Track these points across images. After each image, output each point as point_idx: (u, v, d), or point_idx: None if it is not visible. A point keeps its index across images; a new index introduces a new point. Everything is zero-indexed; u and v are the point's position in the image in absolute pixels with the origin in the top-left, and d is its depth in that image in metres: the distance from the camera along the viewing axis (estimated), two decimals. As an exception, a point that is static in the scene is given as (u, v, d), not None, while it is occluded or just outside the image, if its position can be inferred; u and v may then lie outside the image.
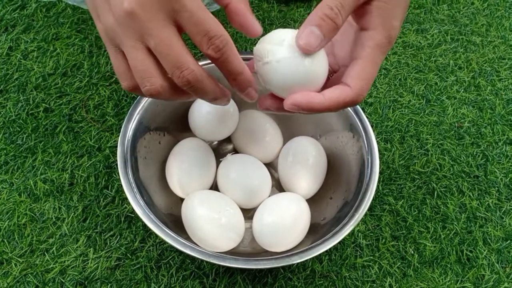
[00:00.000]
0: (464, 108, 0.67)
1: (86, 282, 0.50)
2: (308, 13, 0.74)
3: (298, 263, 0.52)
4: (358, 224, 0.56)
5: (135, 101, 0.51)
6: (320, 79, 0.38)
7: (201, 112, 0.53)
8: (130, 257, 0.52)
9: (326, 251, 0.48)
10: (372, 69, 0.36)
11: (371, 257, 0.54)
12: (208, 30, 0.33)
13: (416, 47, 0.73)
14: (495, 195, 0.60)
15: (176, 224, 0.49)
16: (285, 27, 0.72)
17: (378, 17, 0.36)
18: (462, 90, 0.69)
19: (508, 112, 0.68)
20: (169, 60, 0.34)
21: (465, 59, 0.73)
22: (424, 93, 0.68)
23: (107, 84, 0.64)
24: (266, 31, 0.71)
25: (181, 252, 0.48)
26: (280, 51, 0.36)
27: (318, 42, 0.35)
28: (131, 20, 0.33)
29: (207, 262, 0.43)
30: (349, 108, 0.53)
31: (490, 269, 0.55)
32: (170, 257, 0.52)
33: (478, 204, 0.59)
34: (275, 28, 0.71)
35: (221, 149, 0.59)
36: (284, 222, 0.48)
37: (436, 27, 0.76)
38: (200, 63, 0.37)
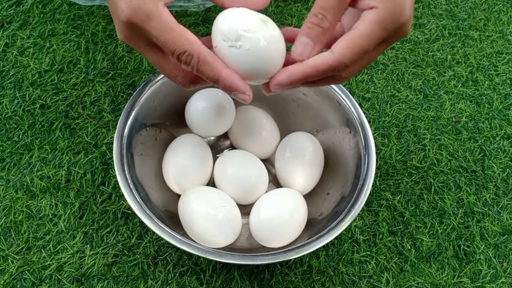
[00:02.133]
0: (462, 103, 0.67)
1: (83, 279, 0.50)
2: (305, 8, 0.74)
3: (295, 259, 0.53)
4: (355, 220, 0.56)
5: (131, 97, 0.51)
6: (279, 62, 0.39)
7: (198, 108, 0.53)
8: (127, 253, 0.52)
9: (323, 246, 0.48)
10: (363, 41, 0.35)
11: (368, 253, 0.54)
12: (173, 49, 0.36)
13: (413, 42, 0.73)
14: (493, 190, 0.60)
15: (173, 220, 0.49)
16: (282, 22, 0.72)
17: None
18: (460, 85, 0.69)
19: (506, 106, 0.67)
20: (164, 72, 0.40)
21: (462, 53, 0.72)
22: (421, 88, 0.68)
23: (104, 80, 0.63)
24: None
25: (178, 249, 0.48)
26: (250, 38, 0.37)
27: (309, 49, 0.37)
28: (130, 45, 0.39)
29: (204, 258, 0.44)
30: (346, 104, 0.53)
31: (487, 264, 0.55)
32: (167, 254, 0.52)
33: (475, 199, 0.59)
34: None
35: (218, 145, 0.59)
36: (281, 218, 0.48)
37: (434, 21, 0.76)
38: None
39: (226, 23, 0.38)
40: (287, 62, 0.39)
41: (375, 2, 0.35)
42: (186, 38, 0.36)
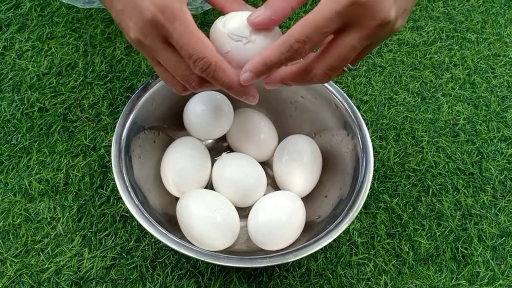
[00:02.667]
0: (459, 105, 0.67)
1: (81, 282, 0.50)
2: (303, 11, 0.74)
3: (293, 262, 0.53)
4: (353, 222, 0.56)
5: (130, 100, 0.51)
6: None
7: (196, 111, 0.53)
8: (125, 256, 0.52)
9: (321, 249, 0.48)
10: (314, 15, 0.34)
11: (366, 255, 0.54)
12: (191, 54, 0.36)
13: (411, 44, 0.73)
14: (490, 192, 0.60)
15: (171, 223, 0.49)
16: (280, 25, 0.72)
17: None
18: (457, 87, 0.69)
19: (503, 109, 0.68)
20: (177, 74, 0.39)
21: (460, 56, 0.73)
22: (419, 91, 0.68)
23: (102, 83, 0.64)
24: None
25: (176, 251, 0.48)
26: (253, 33, 0.39)
27: (259, 13, 0.38)
28: (139, 45, 0.38)
29: (202, 261, 0.44)
30: (344, 106, 0.53)
31: (485, 266, 0.55)
32: (166, 256, 0.52)
33: (473, 201, 0.59)
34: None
35: (216, 147, 0.59)
36: (279, 221, 0.49)
37: (431, 24, 0.76)
38: None
39: (235, 24, 0.39)
40: None
41: None
42: (205, 44, 0.36)
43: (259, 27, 0.39)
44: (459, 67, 0.71)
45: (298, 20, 0.35)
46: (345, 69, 0.38)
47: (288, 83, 0.40)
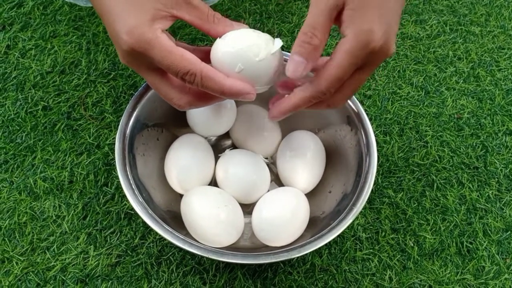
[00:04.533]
0: (464, 99, 0.67)
1: (87, 279, 0.51)
2: (306, 6, 0.74)
3: (297, 257, 0.53)
4: (357, 217, 0.56)
5: (133, 98, 0.51)
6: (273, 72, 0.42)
7: (199, 108, 0.53)
8: (131, 253, 0.52)
9: (326, 244, 0.48)
10: (336, 71, 0.38)
11: (371, 250, 0.54)
12: (177, 71, 0.38)
13: (414, 38, 0.73)
14: (495, 186, 0.60)
15: (176, 220, 0.49)
16: (282, 20, 0.72)
17: (348, 25, 0.38)
18: (462, 81, 0.69)
19: (508, 102, 0.67)
20: (161, 95, 0.42)
21: (464, 49, 0.72)
22: (423, 85, 0.68)
23: (105, 81, 0.64)
24: (264, 25, 0.70)
25: (181, 248, 0.48)
26: (263, 51, 0.41)
27: (302, 67, 0.39)
28: (129, 67, 0.41)
29: (207, 258, 0.44)
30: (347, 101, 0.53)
31: (490, 260, 0.55)
32: (170, 253, 0.53)
33: (478, 196, 0.59)
34: (272, 22, 0.71)
35: (220, 144, 0.59)
36: (283, 217, 0.49)
37: (435, 17, 0.75)
38: None
39: (239, 44, 0.41)
40: (285, 83, 0.44)
41: (346, 30, 0.38)
42: (186, 58, 0.38)
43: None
44: (463, 61, 0.71)
45: (321, 71, 0.39)
46: None
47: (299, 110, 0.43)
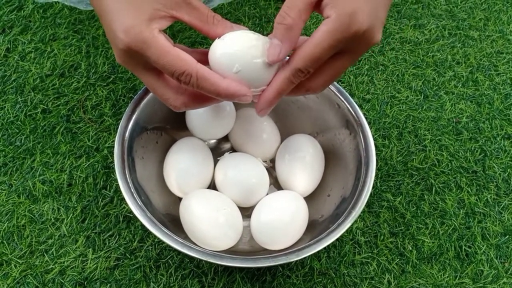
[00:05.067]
0: (462, 103, 0.67)
1: (85, 283, 0.51)
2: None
3: (296, 261, 0.53)
4: (356, 221, 0.56)
5: (132, 101, 0.51)
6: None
7: (198, 111, 0.53)
8: (129, 257, 0.52)
9: (324, 248, 0.48)
10: (313, 49, 0.37)
11: (370, 254, 0.54)
12: (172, 71, 0.38)
13: (413, 42, 0.73)
14: (494, 190, 0.60)
15: (175, 223, 0.49)
16: (282, 24, 0.72)
17: (332, 7, 0.37)
18: (460, 85, 0.69)
19: (506, 106, 0.67)
20: (157, 96, 0.42)
21: (463, 54, 0.72)
22: (422, 89, 0.68)
23: (105, 84, 0.64)
24: (263, 28, 0.71)
25: (179, 252, 0.48)
26: (261, 53, 0.40)
27: (278, 49, 0.39)
28: (125, 67, 0.41)
29: (205, 261, 0.44)
30: (346, 105, 0.53)
31: (488, 264, 0.55)
32: (169, 257, 0.53)
33: (476, 200, 0.59)
34: (272, 26, 0.71)
35: (219, 148, 0.59)
36: (282, 220, 0.49)
37: (433, 22, 0.76)
38: None
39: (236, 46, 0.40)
40: None
41: (329, 11, 0.37)
42: (182, 59, 0.38)
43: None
44: (461, 65, 0.71)
45: (298, 49, 0.38)
46: None
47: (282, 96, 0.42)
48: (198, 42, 0.69)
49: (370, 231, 0.56)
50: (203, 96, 0.41)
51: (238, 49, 0.40)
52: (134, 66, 0.40)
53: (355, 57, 0.39)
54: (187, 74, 0.38)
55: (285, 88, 0.40)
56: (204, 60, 0.41)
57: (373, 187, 0.48)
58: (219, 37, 0.41)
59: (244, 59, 0.40)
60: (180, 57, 0.38)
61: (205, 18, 0.41)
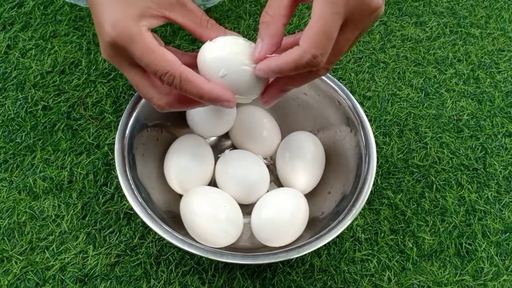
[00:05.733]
0: (463, 101, 0.67)
1: (86, 279, 0.51)
2: (306, 7, 0.74)
3: (296, 258, 0.53)
4: (356, 218, 0.56)
5: (133, 98, 0.51)
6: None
7: (199, 108, 0.53)
8: (130, 253, 0.52)
9: (325, 245, 0.48)
10: (318, 25, 0.35)
11: (370, 251, 0.54)
12: (155, 70, 0.38)
13: (414, 40, 0.73)
14: (494, 188, 0.60)
15: (175, 220, 0.49)
16: (283, 21, 0.72)
17: None
18: (461, 83, 0.69)
19: (508, 104, 0.67)
20: (141, 94, 0.41)
21: (464, 51, 0.72)
22: (423, 86, 0.68)
23: (105, 81, 0.64)
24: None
25: (180, 249, 0.48)
26: (248, 58, 0.40)
27: (259, 47, 0.38)
28: (110, 62, 0.40)
29: (206, 258, 0.44)
30: (346, 103, 0.53)
31: (489, 261, 0.55)
32: (170, 253, 0.53)
33: (477, 197, 0.59)
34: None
35: (219, 145, 0.59)
36: (283, 217, 0.49)
37: (435, 19, 0.75)
38: None
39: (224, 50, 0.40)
40: None
41: None
42: (167, 59, 0.38)
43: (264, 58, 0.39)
44: (463, 63, 0.71)
45: (304, 32, 0.35)
46: None
47: (288, 88, 0.41)
48: (199, 40, 0.69)
49: (370, 228, 0.56)
50: (187, 97, 0.40)
51: (227, 54, 0.40)
52: (119, 61, 0.39)
53: (359, 27, 0.37)
54: (170, 75, 0.38)
55: (288, 71, 0.37)
56: (194, 63, 0.41)
57: (373, 185, 0.48)
58: (210, 40, 0.41)
59: (231, 64, 0.39)
60: (165, 57, 0.38)
61: (199, 21, 0.41)
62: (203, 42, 0.42)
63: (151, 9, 0.38)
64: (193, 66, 0.40)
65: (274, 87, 0.41)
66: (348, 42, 0.37)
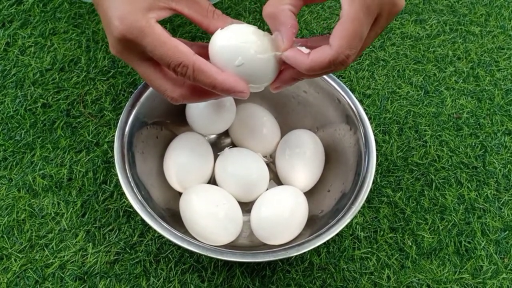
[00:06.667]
0: (463, 99, 0.67)
1: (85, 277, 0.51)
2: (306, 5, 0.74)
3: (296, 256, 0.53)
4: (356, 216, 0.56)
5: (132, 96, 0.51)
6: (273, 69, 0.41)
7: (199, 106, 0.53)
8: (129, 251, 0.52)
9: (324, 243, 0.48)
10: (353, 26, 0.35)
11: (369, 249, 0.54)
12: (169, 62, 0.37)
13: (414, 37, 0.73)
14: (494, 186, 0.60)
15: (175, 218, 0.49)
16: (282, 19, 0.72)
17: None
18: (461, 81, 0.69)
19: (507, 102, 0.67)
20: (154, 87, 0.41)
21: (464, 49, 0.72)
22: (422, 84, 0.68)
23: (105, 78, 0.64)
24: (264, 23, 0.70)
25: (179, 246, 0.48)
26: (261, 46, 0.39)
27: (279, 38, 0.39)
28: (120, 57, 0.40)
29: (205, 255, 0.44)
30: (346, 101, 0.53)
31: (488, 260, 0.55)
32: (169, 251, 0.53)
33: (476, 195, 0.59)
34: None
35: (219, 143, 0.59)
36: (282, 215, 0.49)
37: (434, 17, 0.75)
38: None
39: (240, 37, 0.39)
40: None
41: None
42: (180, 50, 0.37)
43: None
44: (462, 61, 0.71)
45: (337, 31, 0.36)
46: None
47: (301, 78, 0.41)
48: (198, 36, 0.69)
49: (370, 226, 0.56)
50: (202, 89, 0.40)
51: (242, 42, 0.38)
52: (129, 56, 0.39)
53: (384, 25, 0.38)
54: (183, 66, 0.37)
55: (321, 70, 0.37)
56: (204, 53, 0.40)
57: (373, 183, 0.48)
58: (221, 29, 0.40)
59: (246, 52, 0.38)
60: (178, 48, 0.37)
61: (205, 13, 0.40)
62: (211, 34, 0.41)
63: (158, 1, 0.38)
64: (204, 56, 0.39)
65: (288, 75, 0.41)
66: (371, 38, 0.38)
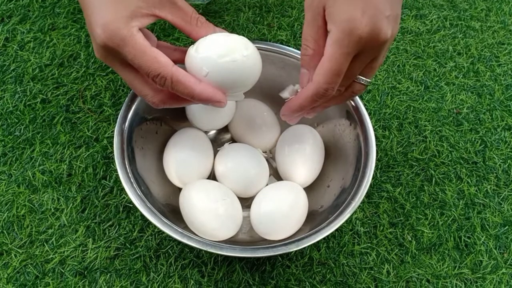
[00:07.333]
0: (463, 94, 0.67)
1: (85, 272, 0.51)
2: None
3: (296, 251, 0.53)
4: (355, 212, 0.56)
5: (132, 91, 0.51)
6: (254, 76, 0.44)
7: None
8: (129, 246, 0.52)
9: (324, 238, 0.48)
10: (330, 65, 0.38)
11: (369, 244, 0.55)
12: (148, 72, 0.38)
13: (414, 33, 0.73)
14: (493, 181, 0.60)
15: (174, 213, 0.49)
16: (282, 14, 0.71)
17: (330, 22, 0.38)
18: (461, 76, 0.69)
19: (507, 97, 0.67)
20: (136, 92, 0.42)
21: (464, 44, 0.72)
22: (422, 80, 0.68)
23: (104, 74, 0.63)
24: (263, 18, 0.70)
25: (179, 242, 0.49)
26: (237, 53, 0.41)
27: (306, 77, 0.43)
28: (104, 62, 0.41)
29: (205, 251, 0.44)
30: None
31: (488, 255, 0.55)
32: (169, 247, 0.53)
33: (476, 190, 0.59)
34: (272, 16, 0.71)
35: (219, 138, 0.59)
36: (282, 211, 0.49)
37: (435, 12, 0.75)
38: None
39: (207, 48, 0.41)
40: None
41: (330, 26, 0.38)
42: (159, 61, 0.38)
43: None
44: (463, 56, 0.71)
45: (317, 68, 0.40)
46: (363, 83, 0.43)
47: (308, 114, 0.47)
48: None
49: (369, 221, 0.56)
50: (180, 96, 0.42)
51: (213, 53, 0.40)
52: (112, 61, 0.40)
53: (369, 56, 0.40)
54: (162, 77, 0.39)
55: (308, 105, 0.42)
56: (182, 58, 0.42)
57: (373, 178, 0.48)
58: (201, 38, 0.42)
59: (216, 62, 0.40)
60: (156, 59, 0.38)
61: (188, 19, 0.42)
62: (194, 40, 0.42)
63: (141, 9, 0.39)
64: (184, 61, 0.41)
65: (293, 106, 0.45)
66: (358, 68, 0.41)
